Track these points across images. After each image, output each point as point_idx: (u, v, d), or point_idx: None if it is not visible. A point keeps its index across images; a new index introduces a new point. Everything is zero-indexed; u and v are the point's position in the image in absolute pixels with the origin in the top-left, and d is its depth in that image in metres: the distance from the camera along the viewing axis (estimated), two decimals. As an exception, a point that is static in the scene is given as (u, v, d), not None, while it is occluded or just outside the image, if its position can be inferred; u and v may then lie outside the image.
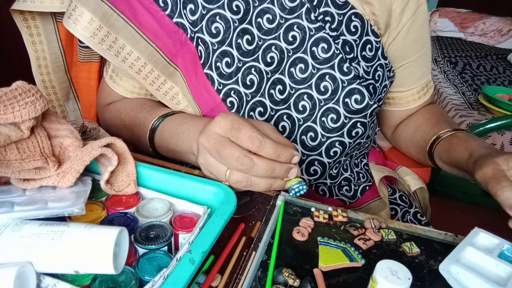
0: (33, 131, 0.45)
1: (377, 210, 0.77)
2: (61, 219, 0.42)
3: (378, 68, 0.67)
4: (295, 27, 0.62)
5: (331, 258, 0.46)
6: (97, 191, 0.49)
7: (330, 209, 0.56)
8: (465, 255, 0.46)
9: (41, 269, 0.36)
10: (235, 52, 0.62)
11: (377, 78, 0.68)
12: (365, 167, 0.81)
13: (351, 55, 0.64)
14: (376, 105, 0.67)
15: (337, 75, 0.63)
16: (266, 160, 0.47)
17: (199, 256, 0.37)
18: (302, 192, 0.50)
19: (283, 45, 0.63)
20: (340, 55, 0.63)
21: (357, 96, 0.64)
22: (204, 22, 0.61)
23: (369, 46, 0.65)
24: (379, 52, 0.67)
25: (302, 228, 0.52)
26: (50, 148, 0.46)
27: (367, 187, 0.79)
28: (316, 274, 0.45)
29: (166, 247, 0.42)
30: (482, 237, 0.49)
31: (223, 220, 0.42)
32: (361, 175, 0.79)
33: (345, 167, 0.76)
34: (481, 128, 1.64)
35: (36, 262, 0.36)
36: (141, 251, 0.41)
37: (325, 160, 0.68)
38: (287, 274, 0.43)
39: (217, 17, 0.61)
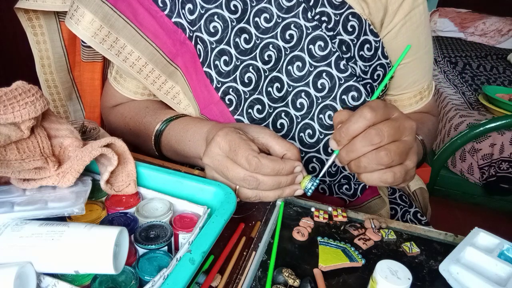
0: (33, 131, 0.45)
1: (377, 208, 0.77)
2: (61, 219, 0.42)
3: (378, 68, 0.67)
4: (292, 26, 0.63)
5: (331, 258, 0.46)
6: (97, 191, 0.49)
7: (330, 209, 0.56)
8: (465, 255, 0.46)
9: (41, 269, 0.36)
10: (233, 51, 0.62)
11: (375, 77, 0.67)
12: None
13: (348, 55, 0.64)
14: None
15: (334, 72, 0.63)
16: (270, 176, 0.49)
17: (199, 256, 0.37)
18: (316, 185, 0.52)
19: (281, 43, 0.63)
20: (337, 53, 0.63)
21: (354, 93, 0.64)
22: (202, 22, 0.61)
23: (367, 45, 0.65)
24: (379, 52, 0.66)
25: (302, 228, 0.52)
26: (50, 148, 0.46)
27: (367, 186, 0.79)
28: (316, 274, 0.45)
29: (166, 247, 0.42)
30: (482, 237, 0.49)
31: (223, 220, 0.42)
32: None
33: None
34: (481, 128, 1.63)
35: (36, 262, 0.36)
36: (141, 251, 0.41)
37: (323, 157, 0.68)
38: (287, 274, 0.43)
39: (215, 17, 0.61)
